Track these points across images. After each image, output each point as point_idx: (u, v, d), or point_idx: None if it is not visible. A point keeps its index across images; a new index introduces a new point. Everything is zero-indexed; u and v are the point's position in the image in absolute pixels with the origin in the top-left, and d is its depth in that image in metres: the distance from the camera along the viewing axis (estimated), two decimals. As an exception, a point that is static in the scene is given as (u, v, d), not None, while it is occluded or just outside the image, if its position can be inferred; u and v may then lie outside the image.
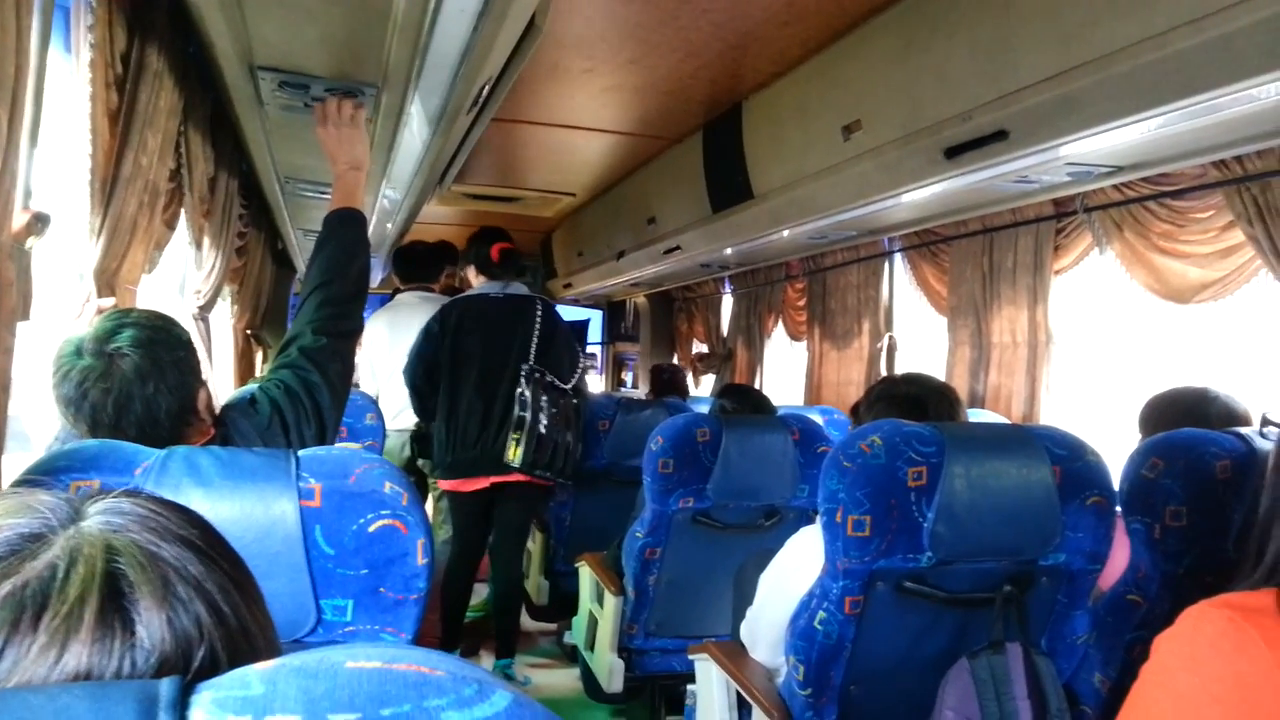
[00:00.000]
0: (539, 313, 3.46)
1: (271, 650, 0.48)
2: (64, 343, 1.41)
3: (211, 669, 0.35)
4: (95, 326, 1.41)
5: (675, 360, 7.18)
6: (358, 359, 4.13)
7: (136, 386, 1.39)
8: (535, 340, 3.39)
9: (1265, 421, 1.02)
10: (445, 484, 3.54)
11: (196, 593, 0.45)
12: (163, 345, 1.43)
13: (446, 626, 3.65)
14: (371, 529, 1.20)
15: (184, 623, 0.44)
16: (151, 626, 0.42)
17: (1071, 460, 1.69)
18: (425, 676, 0.34)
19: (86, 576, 0.42)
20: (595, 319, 7.93)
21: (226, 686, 0.33)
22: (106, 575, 0.43)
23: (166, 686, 0.32)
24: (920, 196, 2.78)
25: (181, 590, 0.45)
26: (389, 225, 3.98)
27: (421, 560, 1.23)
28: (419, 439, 3.99)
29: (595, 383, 7.90)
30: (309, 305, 1.80)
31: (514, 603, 3.66)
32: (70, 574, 0.42)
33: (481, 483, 3.40)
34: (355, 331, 1.87)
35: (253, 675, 0.34)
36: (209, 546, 0.49)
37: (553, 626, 4.24)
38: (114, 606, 0.42)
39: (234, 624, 0.47)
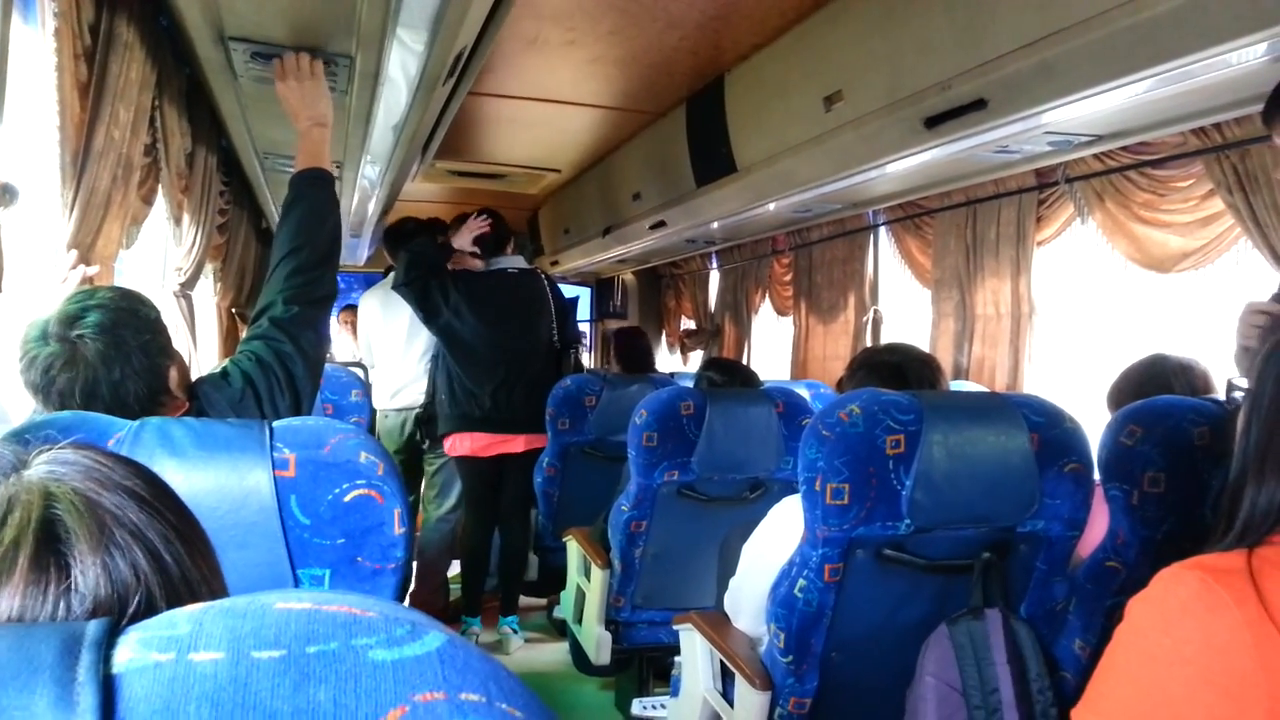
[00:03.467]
0: (548, 291, 3.81)
1: None
2: (29, 326, 1.39)
3: (148, 615, 0.35)
4: (60, 309, 1.39)
5: (664, 336, 7.18)
6: (356, 337, 4.17)
7: (102, 372, 1.36)
8: (554, 318, 3.79)
9: (1231, 387, 1.02)
10: (464, 448, 3.70)
11: (135, 540, 0.45)
12: (128, 328, 1.40)
13: (469, 593, 3.86)
14: (347, 499, 1.19)
15: (121, 569, 0.44)
16: (87, 572, 0.42)
17: (1049, 428, 1.69)
18: (356, 617, 0.34)
19: (22, 521, 0.42)
20: (583, 296, 7.90)
21: (154, 627, 0.33)
22: (43, 521, 0.43)
23: (93, 627, 0.32)
24: (902, 168, 2.77)
25: (120, 536, 0.45)
26: (371, 202, 3.96)
27: (399, 530, 1.23)
28: (428, 420, 4.00)
29: (584, 359, 7.88)
30: (279, 273, 1.77)
31: (521, 566, 3.89)
32: (7, 519, 0.42)
33: (510, 444, 3.68)
34: (328, 298, 1.85)
35: (180, 616, 0.34)
36: (153, 497, 0.49)
37: (542, 601, 4.25)
38: (49, 551, 0.42)
39: (175, 573, 0.47)
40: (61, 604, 0.41)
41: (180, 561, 0.47)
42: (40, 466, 0.47)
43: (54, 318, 1.38)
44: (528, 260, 6.87)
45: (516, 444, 3.70)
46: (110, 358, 1.37)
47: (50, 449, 0.48)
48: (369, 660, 0.32)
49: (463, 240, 3.70)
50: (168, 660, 0.31)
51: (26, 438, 1.03)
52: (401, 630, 0.34)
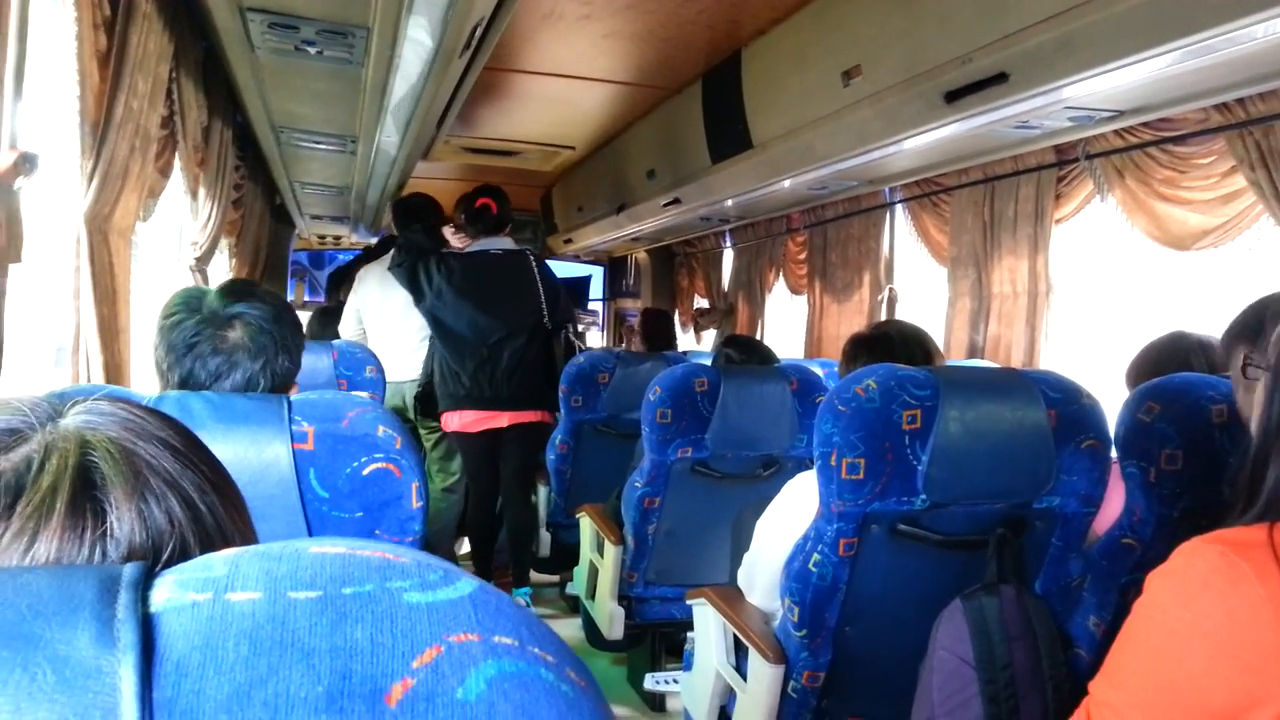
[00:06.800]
0: (535, 272, 3.78)
1: None
2: (178, 292, 1.36)
3: (183, 561, 0.36)
4: (223, 285, 1.37)
5: (676, 315, 7.16)
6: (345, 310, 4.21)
7: (245, 357, 1.33)
8: (543, 299, 3.76)
9: (1247, 362, 1.01)
10: (453, 425, 3.76)
11: (170, 488, 0.46)
12: (285, 324, 1.37)
13: (477, 563, 3.97)
14: (365, 472, 1.20)
15: (156, 516, 0.44)
16: (123, 518, 0.43)
17: (1067, 404, 1.69)
18: (390, 561, 0.34)
19: (59, 467, 0.43)
20: (596, 275, 7.89)
21: (190, 570, 0.33)
22: (79, 467, 0.43)
23: (129, 569, 0.33)
24: (921, 143, 2.75)
25: (155, 484, 0.45)
26: (386, 176, 3.96)
27: (416, 503, 1.24)
28: (423, 398, 4.02)
29: (596, 339, 7.88)
30: None
31: (526, 537, 3.94)
32: (45, 465, 0.43)
33: (496, 420, 3.71)
34: None
35: (216, 559, 0.34)
36: (187, 448, 0.49)
37: (555, 578, 4.27)
38: (86, 497, 0.43)
39: (210, 522, 0.48)
40: (98, 549, 0.42)
41: (214, 511, 0.48)
42: (77, 416, 0.47)
43: (213, 292, 1.35)
44: (539, 239, 6.91)
45: (501, 420, 3.73)
46: (261, 346, 1.34)
47: (86, 400, 0.49)
48: (404, 602, 0.32)
49: (449, 234, 3.84)
50: (205, 600, 0.31)
51: (62, 393, 1.04)
52: (435, 575, 0.34)
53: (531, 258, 3.85)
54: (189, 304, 1.34)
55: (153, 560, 0.43)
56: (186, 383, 1.32)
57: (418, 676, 0.30)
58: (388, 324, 4.12)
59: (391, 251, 4.22)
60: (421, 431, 4.16)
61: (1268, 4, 1.56)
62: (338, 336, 3.89)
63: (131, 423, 0.48)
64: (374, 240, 5.94)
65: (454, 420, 3.75)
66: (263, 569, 0.33)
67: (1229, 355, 1.50)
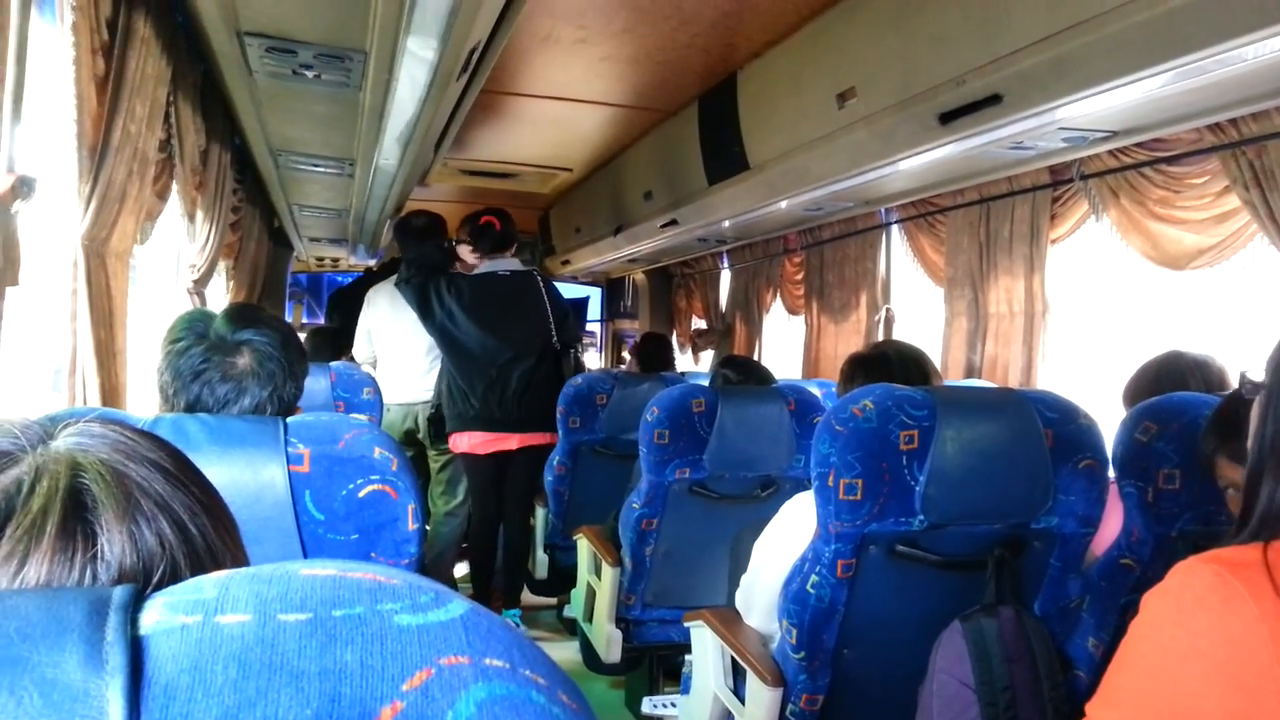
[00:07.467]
0: (543, 292, 3.80)
1: None
2: (183, 315, 1.36)
3: (173, 584, 0.36)
4: (226, 311, 1.36)
5: (675, 336, 7.16)
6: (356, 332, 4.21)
7: (254, 384, 1.32)
8: (551, 320, 3.77)
9: (1244, 380, 1.01)
10: (463, 445, 3.75)
11: (161, 510, 0.46)
12: (292, 351, 1.36)
13: (476, 586, 3.94)
14: (362, 494, 1.20)
15: (147, 538, 0.44)
16: (113, 540, 0.43)
17: (1064, 424, 1.69)
18: (380, 583, 0.34)
19: (50, 490, 0.43)
20: (594, 296, 7.90)
21: (180, 592, 0.33)
22: (70, 490, 0.43)
23: (119, 592, 0.32)
24: (916, 164, 2.76)
25: (146, 506, 0.45)
26: (383, 199, 3.97)
27: (412, 526, 1.24)
28: (436, 420, 4.02)
29: (594, 360, 7.88)
30: None
31: (521, 561, 3.95)
32: (35, 488, 0.43)
33: (505, 442, 3.71)
34: None
35: (206, 581, 0.34)
36: (178, 470, 0.49)
37: (552, 600, 4.26)
38: (76, 519, 0.42)
39: (200, 544, 0.47)
40: (88, 572, 0.42)
41: (205, 533, 0.48)
42: (68, 438, 0.47)
43: (220, 317, 1.34)
44: (537, 260, 6.93)
45: (511, 442, 3.73)
46: (270, 373, 1.33)
47: (77, 422, 0.49)
48: (394, 624, 0.32)
49: (464, 251, 3.83)
50: (195, 622, 0.31)
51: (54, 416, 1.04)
52: (426, 597, 0.34)
53: (539, 278, 3.86)
54: (195, 329, 1.33)
55: (143, 583, 0.43)
56: (193, 408, 1.30)
57: (407, 699, 0.30)
58: (398, 344, 4.12)
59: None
60: (431, 453, 4.15)
61: (1258, 25, 1.57)
62: (333, 358, 3.88)
63: (122, 445, 0.48)
64: (373, 262, 5.95)
65: (463, 441, 3.75)
66: (253, 591, 0.33)
67: (1214, 468, 1.51)
